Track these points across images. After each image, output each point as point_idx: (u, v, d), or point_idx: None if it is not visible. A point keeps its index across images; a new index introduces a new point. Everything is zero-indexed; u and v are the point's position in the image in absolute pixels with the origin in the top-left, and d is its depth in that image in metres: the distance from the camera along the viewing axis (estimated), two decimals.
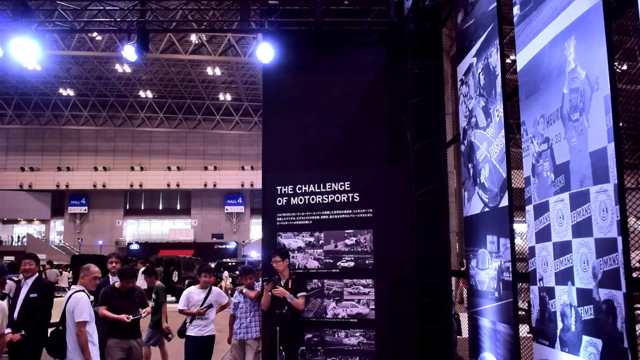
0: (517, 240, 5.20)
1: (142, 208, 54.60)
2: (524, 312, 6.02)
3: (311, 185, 7.17)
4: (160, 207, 54.44)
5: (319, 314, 6.94)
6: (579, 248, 3.81)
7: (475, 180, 5.93)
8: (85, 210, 52.74)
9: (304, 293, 6.87)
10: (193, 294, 7.78)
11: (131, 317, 6.98)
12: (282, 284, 6.84)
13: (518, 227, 5.25)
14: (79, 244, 48.36)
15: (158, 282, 9.37)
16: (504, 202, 5.14)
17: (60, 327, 6.01)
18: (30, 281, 6.76)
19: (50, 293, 6.94)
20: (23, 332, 6.19)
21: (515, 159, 5.17)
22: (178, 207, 54.07)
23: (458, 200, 7.87)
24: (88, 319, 5.89)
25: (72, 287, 6.24)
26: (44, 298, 6.71)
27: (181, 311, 7.80)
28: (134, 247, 42.46)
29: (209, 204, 51.97)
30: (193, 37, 35.14)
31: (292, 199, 7.25)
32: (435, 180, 7.62)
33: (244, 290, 7.80)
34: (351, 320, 6.83)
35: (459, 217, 7.98)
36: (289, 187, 7.27)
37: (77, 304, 5.90)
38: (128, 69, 41.71)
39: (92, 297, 6.36)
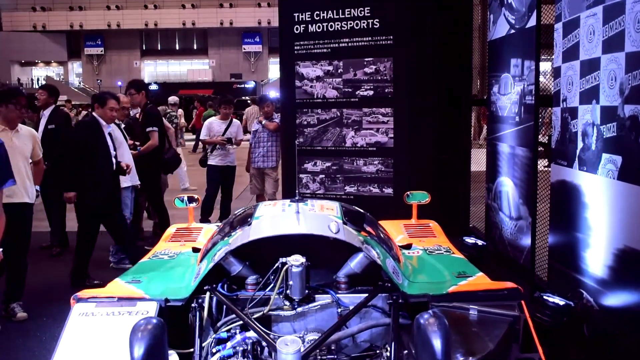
0: (540, 78, 5.03)
1: (159, 48, 53.86)
2: (542, 148, 5.99)
3: (329, 12, 6.87)
4: (177, 47, 53.65)
5: (337, 143, 7.00)
6: (608, 64, 3.67)
7: (502, 0, 5.62)
8: (101, 51, 52.21)
9: (153, 128, 6.87)
10: (214, 124, 7.88)
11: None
12: (137, 116, 7.24)
13: (541, 65, 5.05)
14: (99, 85, 48.48)
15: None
16: (532, 21, 4.90)
17: None
18: (47, 112, 6.91)
19: (67, 123, 7.08)
20: (47, 163, 6.38)
21: None
22: (195, 47, 53.23)
23: (481, 36, 7.55)
24: None
25: None
26: (62, 128, 6.88)
27: (202, 141, 7.97)
28: (153, 87, 42.42)
29: (226, 43, 50.97)
30: None
31: (309, 26, 6.99)
32: (459, 6, 7.26)
33: (263, 122, 7.86)
34: (370, 148, 6.89)
35: (482, 52, 7.71)
36: (307, 13, 6.98)
37: None
38: None
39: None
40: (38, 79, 52.09)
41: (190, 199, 4.48)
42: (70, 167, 5.71)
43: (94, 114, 5.97)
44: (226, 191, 8.01)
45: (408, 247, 3.69)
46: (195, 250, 3.65)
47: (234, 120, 8.14)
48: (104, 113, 5.87)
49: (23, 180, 4.95)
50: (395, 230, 4.16)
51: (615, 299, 3.71)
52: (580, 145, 4.08)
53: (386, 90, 6.73)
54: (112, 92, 6.41)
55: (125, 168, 6.03)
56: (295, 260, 2.60)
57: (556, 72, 4.45)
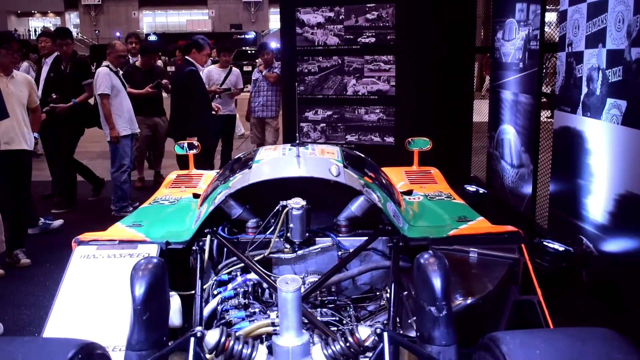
0: (545, 28, 4.92)
1: None
2: (545, 100, 5.92)
3: None
4: None
5: (338, 91, 6.93)
6: (616, 6, 3.58)
7: None
8: (99, 1, 51.30)
9: (88, 80, 6.60)
10: (213, 72, 7.77)
11: (152, 87, 7.15)
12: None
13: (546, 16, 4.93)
14: (97, 36, 47.80)
15: None
16: None
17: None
18: (49, 60, 6.79)
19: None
20: (52, 105, 6.31)
21: None
22: None
23: None
24: (107, 92, 6.03)
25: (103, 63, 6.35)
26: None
27: None
28: (152, 38, 41.83)
29: None
30: None
31: None
32: None
33: (264, 72, 7.76)
34: (371, 97, 6.82)
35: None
36: None
37: (96, 78, 6.02)
38: None
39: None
40: (35, 30, 51.33)
41: (190, 146, 4.45)
42: (196, 113, 6.27)
43: (189, 58, 6.41)
44: (226, 140, 7.97)
45: (409, 193, 3.68)
46: (196, 196, 3.64)
47: (234, 68, 8.02)
48: (199, 58, 6.45)
49: (21, 127, 4.91)
50: (396, 176, 4.14)
51: (614, 245, 3.73)
52: (584, 90, 4.02)
53: (388, 37, 6.62)
54: (204, 38, 6.73)
55: (216, 110, 6.91)
56: (296, 203, 2.59)
57: (562, 16, 4.36)
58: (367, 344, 1.81)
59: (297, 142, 3.09)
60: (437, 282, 1.94)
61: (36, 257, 5.14)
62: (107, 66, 6.23)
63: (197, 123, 6.28)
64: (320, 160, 2.88)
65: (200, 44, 6.52)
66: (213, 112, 6.90)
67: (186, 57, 6.54)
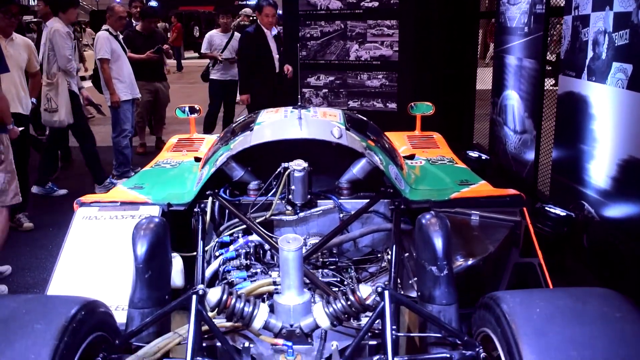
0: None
1: None
2: (549, 67, 5.84)
3: None
4: None
5: (341, 57, 6.85)
6: None
7: None
8: None
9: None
10: (215, 37, 7.68)
11: (153, 52, 7.07)
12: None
13: None
14: (96, 2, 47.21)
15: None
16: None
17: None
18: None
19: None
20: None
21: None
22: None
23: None
24: (107, 56, 5.97)
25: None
26: None
27: (203, 54, 7.80)
28: (152, 3, 41.28)
29: None
30: None
31: None
32: None
33: None
34: (374, 62, 6.75)
35: None
36: None
37: (96, 43, 5.96)
38: None
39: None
40: None
41: (192, 110, 4.41)
42: (244, 73, 6.57)
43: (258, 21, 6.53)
44: (229, 106, 7.91)
45: (411, 157, 3.66)
46: (198, 159, 3.62)
47: (236, 32, 7.92)
48: (261, 19, 6.43)
49: (18, 90, 4.85)
50: (399, 141, 4.12)
51: (616, 210, 3.72)
52: (590, 54, 3.97)
53: (391, 2, 6.52)
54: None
55: (286, 72, 6.65)
56: (298, 165, 2.57)
57: None
58: (368, 302, 1.81)
59: (299, 104, 3.07)
60: (438, 242, 1.94)
61: (38, 220, 5.16)
62: (107, 30, 6.16)
63: (243, 83, 6.61)
64: (322, 123, 2.86)
65: (258, 4, 6.54)
66: (285, 74, 6.82)
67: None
